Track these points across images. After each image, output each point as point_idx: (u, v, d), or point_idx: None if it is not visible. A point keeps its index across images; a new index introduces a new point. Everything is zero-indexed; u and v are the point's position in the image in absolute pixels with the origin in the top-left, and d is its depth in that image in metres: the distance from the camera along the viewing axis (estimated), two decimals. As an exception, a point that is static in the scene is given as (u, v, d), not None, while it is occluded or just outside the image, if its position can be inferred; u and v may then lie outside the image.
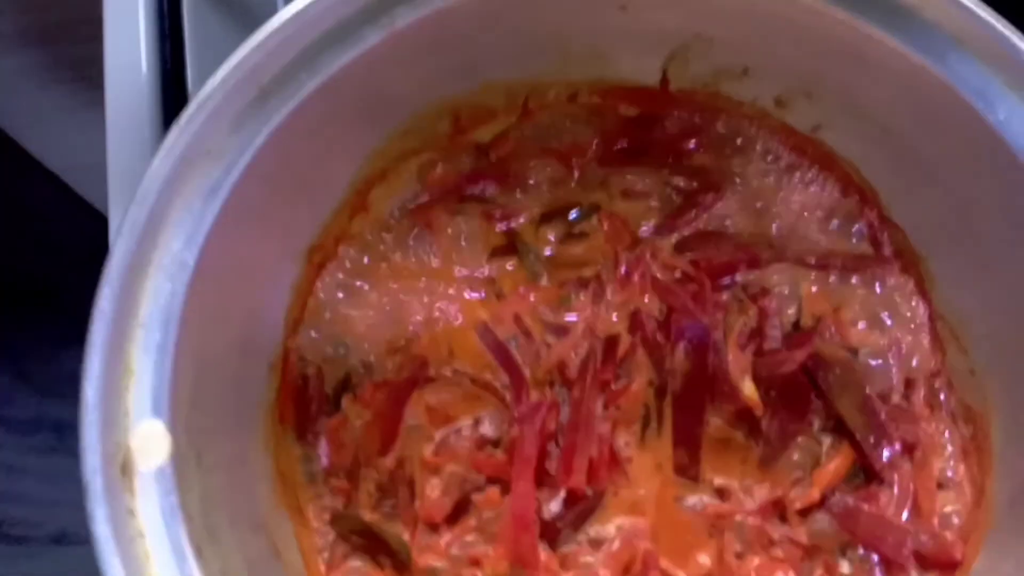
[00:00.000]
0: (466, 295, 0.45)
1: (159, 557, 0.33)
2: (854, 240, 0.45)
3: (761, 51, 0.41)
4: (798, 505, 0.42)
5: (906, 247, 0.44)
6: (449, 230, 0.45)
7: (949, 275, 0.43)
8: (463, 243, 0.45)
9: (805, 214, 0.45)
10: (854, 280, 0.45)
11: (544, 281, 0.45)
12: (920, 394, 0.44)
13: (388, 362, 0.44)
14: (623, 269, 0.45)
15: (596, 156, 0.46)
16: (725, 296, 0.45)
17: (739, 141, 0.45)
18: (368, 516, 0.43)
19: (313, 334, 0.44)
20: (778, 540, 0.42)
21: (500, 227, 0.46)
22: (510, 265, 0.45)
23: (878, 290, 0.45)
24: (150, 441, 0.33)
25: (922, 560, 0.42)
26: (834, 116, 0.43)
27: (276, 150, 0.35)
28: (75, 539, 0.77)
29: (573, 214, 0.46)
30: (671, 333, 0.44)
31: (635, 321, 0.44)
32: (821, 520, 0.43)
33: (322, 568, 0.42)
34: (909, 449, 0.43)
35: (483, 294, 0.45)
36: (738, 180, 0.45)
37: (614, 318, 0.45)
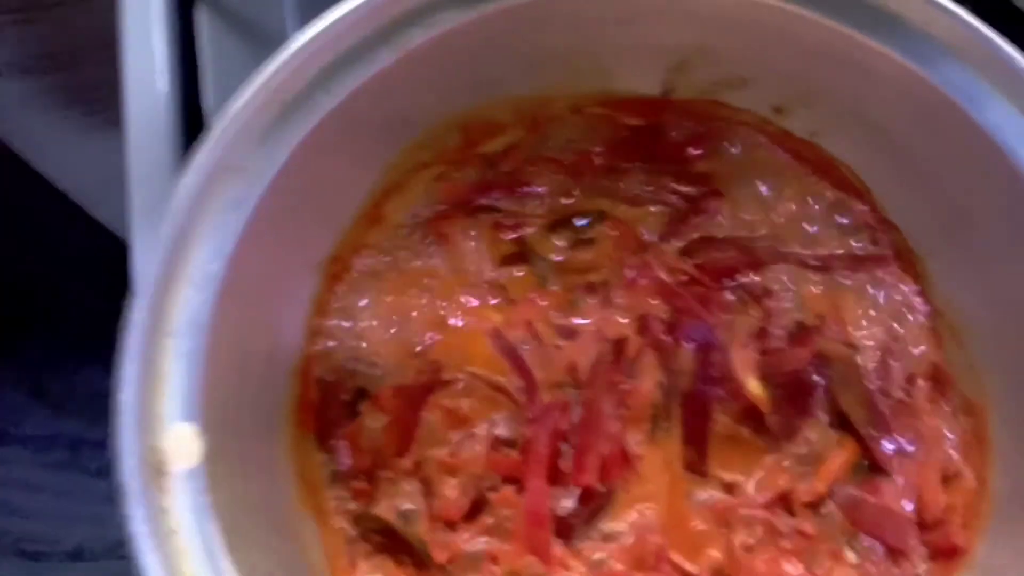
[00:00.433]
0: (478, 301, 0.46)
1: (193, 553, 0.34)
2: (854, 241, 0.46)
3: (759, 62, 0.42)
4: (805, 498, 0.43)
5: (905, 247, 0.45)
6: (461, 239, 0.46)
7: (947, 273, 0.44)
8: (474, 251, 0.46)
9: (805, 216, 0.46)
10: (854, 279, 0.46)
11: (553, 287, 0.46)
12: (921, 389, 0.44)
13: (404, 368, 0.45)
14: (630, 274, 0.46)
15: (601, 165, 0.47)
16: (730, 297, 0.45)
17: (740, 147, 0.46)
18: (388, 516, 0.43)
19: (331, 343, 0.45)
20: (786, 532, 0.43)
21: (510, 235, 0.46)
22: (520, 272, 0.46)
23: (878, 289, 0.46)
24: (183, 443, 0.34)
25: (926, 549, 0.43)
26: (831, 122, 0.44)
27: (298, 165, 0.37)
28: (92, 555, 0.77)
29: (581, 221, 0.47)
30: (678, 335, 0.45)
31: (643, 323, 0.45)
32: (828, 512, 0.44)
33: (345, 566, 0.43)
34: (912, 442, 0.44)
35: (495, 300, 0.46)
36: (740, 185, 0.46)
37: (622, 321, 0.45)
